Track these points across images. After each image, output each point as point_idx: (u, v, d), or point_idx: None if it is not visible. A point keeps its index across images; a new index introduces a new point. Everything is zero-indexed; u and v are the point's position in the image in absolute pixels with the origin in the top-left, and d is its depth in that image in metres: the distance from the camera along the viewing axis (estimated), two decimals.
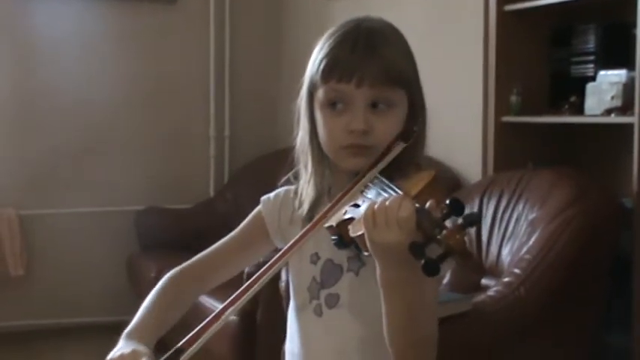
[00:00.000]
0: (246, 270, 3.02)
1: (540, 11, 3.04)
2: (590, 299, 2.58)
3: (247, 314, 3.06)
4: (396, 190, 1.23)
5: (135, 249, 4.30)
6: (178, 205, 4.48)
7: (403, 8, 3.68)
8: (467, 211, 1.12)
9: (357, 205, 1.29)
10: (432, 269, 1.09)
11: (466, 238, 1.10)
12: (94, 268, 4.38)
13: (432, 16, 3.51)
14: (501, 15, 3.08)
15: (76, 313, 4.37)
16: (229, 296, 3.50)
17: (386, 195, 1.22)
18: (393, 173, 1.31)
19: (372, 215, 1.17)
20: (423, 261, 1.09)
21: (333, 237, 1.32)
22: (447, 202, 1.12)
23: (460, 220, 1.10)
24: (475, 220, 1.12)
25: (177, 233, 4.32)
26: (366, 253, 1.23)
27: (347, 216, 1.29)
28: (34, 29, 4.27)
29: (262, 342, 2.99)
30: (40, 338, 4.23)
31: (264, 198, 1.56)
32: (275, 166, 4.36)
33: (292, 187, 1.51)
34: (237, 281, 3.24)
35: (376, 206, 1.17)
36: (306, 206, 1.44)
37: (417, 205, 1.15)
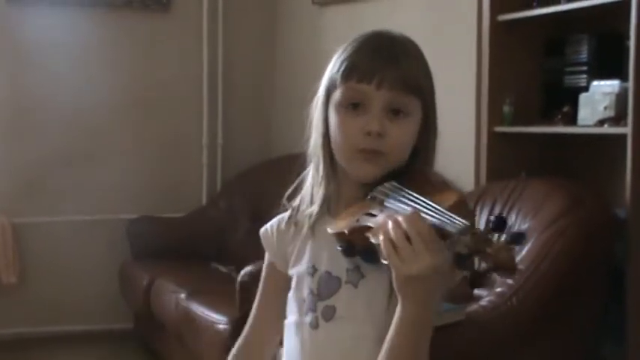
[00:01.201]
0: (239, 279, 3.03)
1: (533, 21, 3.04)
2: (583, 309, 2.57)
3: (239, 323, 3.03)
4: (424, 200, 1.24)
5: (127, 257, 4.29)
6: (171, 214, 4.46)
7: (396, 17, 3.69)
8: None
9: (371, 214, 1.29)
10: (476, 282, 1.12)
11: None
12: (86, 276, 4.36)
13: (425, 25, 3.51)
14: (494, 25, 3.08)
15: (69, 320, 4.35)
16: (222, 305, 3.47)
17: (407, 204, 1.25)
18: (407, 184, 1.32)
19: (394, 247, 1.19)
20: (468, 273, 1.11)
21: (341, 245, 1.32)
22: (492, 218, 1.16)
23: (505, 237, 1.14)
24: (521, 239, 1.17)
25: (169, 242, 4.31)
26: (385, 262, 1.23)
27: (363, 223, 1.28)
28: (26, 36, 4.26)
29: None
30: (32, 346, 4.21)
31: (262, 232, 1.54)
32: (268, 174, 4.37)
33: (284, 214, 1.50)
34: (229, 291, 3.24)
35: (397, 232, 1.19)
36: (316, 208, 1.42)
37: (463, 221, 1.17)
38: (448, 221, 1.19)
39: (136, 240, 4.30)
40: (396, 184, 1.33)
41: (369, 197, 1.35)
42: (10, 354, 4.13)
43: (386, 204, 1.30)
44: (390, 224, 1.21)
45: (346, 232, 1.30)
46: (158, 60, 4.54)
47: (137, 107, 4.47)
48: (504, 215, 1.16)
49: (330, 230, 1.34)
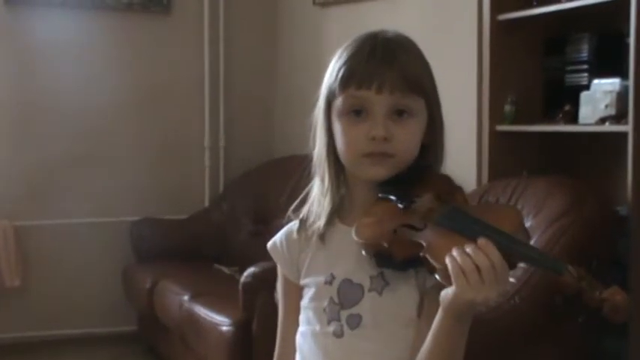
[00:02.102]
0: (243, 281, 3.03)
1: (534, 21, 3.05)
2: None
3: (243, 324, 3.05)
4: (485, 222, 1.23)
5: (130, 260, 4.30)
6: (173, 216, 4.47)
7: (397, 17, 3.70)
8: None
9: (413, 227, 1.27)
10: (589, 325, 1.13)
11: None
12: (89, 279, 4.37)
13: (426, 25, 3.52)
14: (495, 24, 3.09)
15: (72, 323, 4.35)
16: (225, 307, 3.47)
17: (467, 225, 1.24)
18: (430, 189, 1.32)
19: (464, 273, 1.18)
20: (580, 318, 1.12)
21: (375, 254, 1.30)
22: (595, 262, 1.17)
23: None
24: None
25: (172, 244, 4.32)
26: (441, 281, 1.22)
27: (410, 238, 1.27)
28: (28, 39, 4.27)
29: (258, 352, 2.98)
30: (36, 349, 4.21)
31: (270, 246, 1.50)
32: (270, 175, 4.38)
33: (292, 224, 1.47)
34: (233, 292, 3.25)
35: (468, 262, 1.18)
36: (323, 220, 1.41)
37: (558, 261, 1.18)
38: (537, 258, 1.20)
39: (139, 242, 4.30)
40: (434, 196, 1.31)
41: (395, 201, 1.33)
42: (13, 357, 4.14)
43: (437, 221, 1.27)
44: (457, 251, 1.19)
45: (385, 244, 1.28)
46: (160, 62, 4.55)
47: (139, 110, 4.48)
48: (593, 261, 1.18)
49: (357, 238, 1.31)
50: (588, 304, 1.14)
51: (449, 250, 1.20)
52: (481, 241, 1.20)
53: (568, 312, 1.14)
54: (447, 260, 1.19)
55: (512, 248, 1.20)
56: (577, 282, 1.15)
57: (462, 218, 1.26)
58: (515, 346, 2.41)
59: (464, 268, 1.18)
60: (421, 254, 1.23)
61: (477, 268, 1.17)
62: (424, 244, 1.24)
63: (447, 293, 1.22)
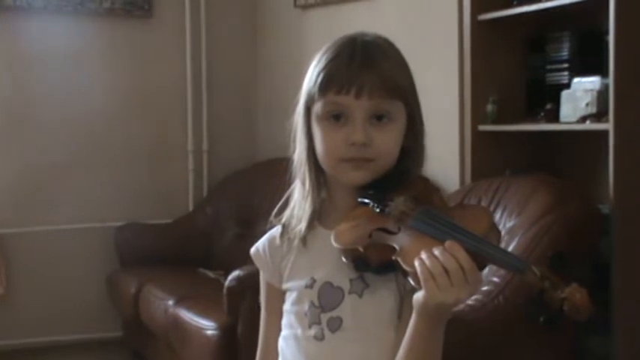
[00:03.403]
0: (227, 284, 3.03)
1: (514, 20, 3.07)
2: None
3: (228, 328, 3.04)
4: (455, 224, 1.23)
5: (115, 265, 4.28)
6: (158, 220, 4.45)
7: (377, 18, 3.70)
8: None
9: (388, 231, 1.28)
10: (552, 325, 1.12)
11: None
12: (74, 285, 4.34)
13: (406, 26, 3.53)
14: (475, 24, 3.10)
15: (58, 330, 4.33)
16: (211, 311, 3.46)
17: (438, 227, 1.24)
18: (408, 192, 1.32)
19: (432, 276, 1.18)
20: (543, 317, 1.12)
21: (353, 260, 1.30)
22: (550, 254, 1.17)
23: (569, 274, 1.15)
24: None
25: (157, 249, 4.30)
26: (413, 284, 1.22)
27: (383, 242, 1.27)
28: (6, 45, 4.25)
29: (244, 356, 2.97)
30: (21, 357, 4.19)
31: (253, 252, 1.51)
32: (254, 179, 4.38)
33: (275, 230, 1.48)
34: (217, 296, 3.24)
35: (436, 265, 1.18)
36: (304, 223, 1.41)
37: (522, 261, 1.17)
38: (502, 258, 1.20)
39: (123, 247, 4.29)
40: (408, 199, 1.31)
41: (371, 205, 1.33)
42: None
43: (410, 224, 1.27)
44: (425, 254, 1.20)
45: (361, 249, 1.28)
46: (142, 66, 4.53)
47: (121, 114, 4.46)
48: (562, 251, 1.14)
49: (335, 244, 1.32)
50: (550, 303, 1.14)
51: (418, 254, 1.20)
52: (448, 243, 1.20)
53: (530, 312, 1.13)
54: (416, 263, 1.20)
55: (479, 249, 1.20)
56: (540, 281, 1.15)
57: (433, 221, 1.26)
58: (499, 347, 2.41)
59: (432, 270, 1.18)
60: (394, 258, 1.24)
61: (445, 270, 1.18)
62: (397, 247, 1.25)
63: (418, 297, 1.23)
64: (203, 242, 4.36)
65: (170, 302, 3.52)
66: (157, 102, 4.57)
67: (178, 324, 3.38)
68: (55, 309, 4.31)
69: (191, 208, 4.60)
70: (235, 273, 3.02)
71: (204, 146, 4.64)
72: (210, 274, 3.99)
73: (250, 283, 2.87)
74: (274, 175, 3.28)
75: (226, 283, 3.05)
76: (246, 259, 1.56)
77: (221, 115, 4.67)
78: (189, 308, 3.38)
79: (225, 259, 4.02)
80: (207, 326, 3.15)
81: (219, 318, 3.09)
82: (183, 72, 4.58)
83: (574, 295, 1.12)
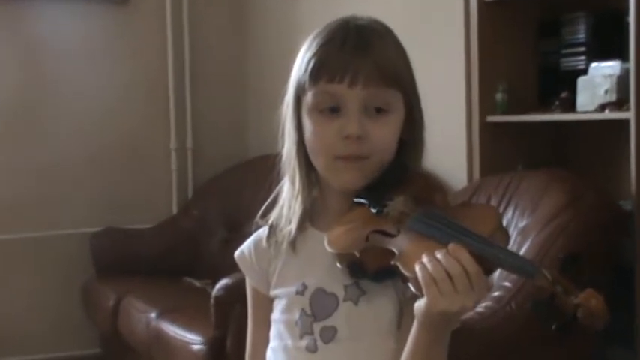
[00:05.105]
0: (214, 294, 3.03)
1: (525, 1, 3.07)
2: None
3: (216, 341, 3.05)
4: (459, 225, 1.23)
5: (91, 275, 4.27)
6: (138, 225, 4.45)
7: (375, 6, 3.68)
8: None
9: (386, 234, 1.28)
10: (565, 333, 1.12)
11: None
12: (45, 299, 4.33)
13: (409, 10, 3.53)
14: (483, 6, 3.10)
15: (27, 349, 4.31)
16: (197, 323, 3.47)
17: (441, 229, 1.24)
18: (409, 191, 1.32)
19: (434, 281, 1.18)
20: (555, 324, 1.13)
21: (348, 265, 1.30)
22: (562, 256, 1.17)
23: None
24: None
25: (138, 256, 4.30)
26: (414, 291, 1.22)
27: (381, 245, 1.27)
28: None
29: None
30: None
31: (237, 256, 1.51)
32: (243, 178, 4.38)
33: (261, 231, 1.48)
34: (204, 307, 3.25)
35: (438, 269, 1.18)
36: (294, 224, 1.41)
37: (532, 265, 1.17)
38: (510, 261, 1.20)
39: (99, 255, 4.28)
40: (408, 198, 1.31)
41: (368, 205, 1.33)
42: None
43: (410, 226, 1.27)
44: (427, 258, 1.19)
45: (357, 253, 1.28)
46: (117, 58, 4.52)
47: (96, 109, 4.45)
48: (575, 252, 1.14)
49: (329, 248, 1.32)
50: (562, 309, 1.14)
51: (420, 257, 1.20)
52: (452, 246, 1.20)
53: (540, 319, 1.14)
54: (417, 268, 1.19)
55: (485, 251, 1.20)
56: (551, 286, 1.15)
57: (435, 222, 1.26)
58: (511, 356, 2.41)
59: (434, 276, 1.18)
60: (392, 262, 1.24)
61: (449, 275, 1.17)
62: (396, 251, 1.25)
63: (420, 304, 1.23)
64: (188, 248, 4.36)
65: (152, 315, 3.52)
66: (135, 96, 4.56)
67: (161, 338, 3.38)
68: (25, 325, 4.29)
69: (175, 211, 4.60)
70: (223, 282, 3.03)
71: (189, 144, 4.64)
72: (196, 283, 4.00)
73: (240, 292, 2.85)
74: (265, 173, 3.25)
75: (214, 292, 3.05)
76: (236, 267, 1.56)
77: (206, 110, 4.67)
78: (174, 321, 3.38)
79: (213, 267, 4.02)
80: (193, 340, 3.15)
81: (206, 331, 3.09)
82: (163, 63, 4.57)
83: (589, 300, 1.13)
